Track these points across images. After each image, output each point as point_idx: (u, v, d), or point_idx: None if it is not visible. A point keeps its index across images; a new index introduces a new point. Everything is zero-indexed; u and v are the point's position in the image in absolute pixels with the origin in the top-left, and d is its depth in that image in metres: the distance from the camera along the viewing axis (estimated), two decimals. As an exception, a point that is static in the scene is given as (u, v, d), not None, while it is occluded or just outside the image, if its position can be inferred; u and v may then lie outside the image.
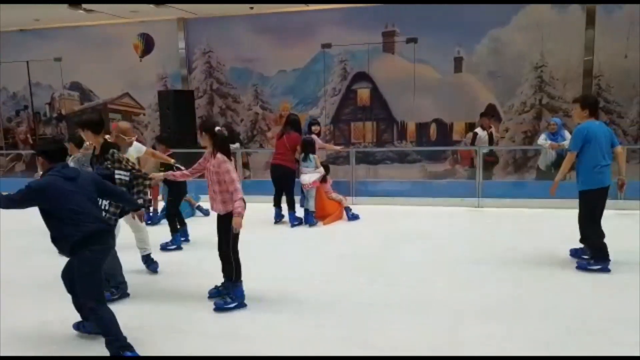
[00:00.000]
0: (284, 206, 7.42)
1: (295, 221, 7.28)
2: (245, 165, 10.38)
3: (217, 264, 4.43)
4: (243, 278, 4.37)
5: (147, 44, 12.27)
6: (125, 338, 3.35)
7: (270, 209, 7.48)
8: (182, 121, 10.96)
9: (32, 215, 3.55)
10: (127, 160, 4.51)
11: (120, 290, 4.57)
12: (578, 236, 5.22)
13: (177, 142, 10.05)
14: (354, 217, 7.51)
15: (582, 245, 5.29)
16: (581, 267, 5.04)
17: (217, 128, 4.30)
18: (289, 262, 5.69)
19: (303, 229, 7.16)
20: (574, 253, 5.36)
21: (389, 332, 3.83)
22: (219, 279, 4.52)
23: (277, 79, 11.76)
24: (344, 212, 7.56)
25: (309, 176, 7.24)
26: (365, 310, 4.28)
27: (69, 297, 3.76)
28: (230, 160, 4.26)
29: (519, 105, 10.66)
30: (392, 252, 5.90)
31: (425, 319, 4.05)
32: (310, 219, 7.25)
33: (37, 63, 12.94)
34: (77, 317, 3.85)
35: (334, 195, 7.66)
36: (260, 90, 11.91)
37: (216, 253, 4.41)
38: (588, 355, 3.39)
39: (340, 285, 4.87)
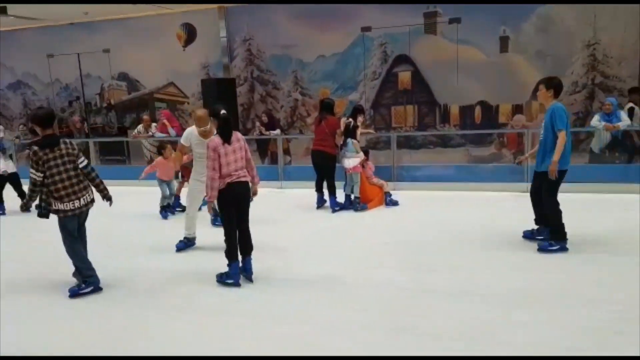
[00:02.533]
0: (326, 191, 7.44)
1: (336, 206, 7.28)
2: (286, 151, 10.44)
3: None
4: (287, 262, 4.41)
5: (189, 34, 12.47)
6: None
7: (312, 194, 7.51)
8: (224, 109, 11.10)
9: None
10: (44, 163, 4.29)
11: (90, 285, 4.55)
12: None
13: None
14: (392, 203, 7.45)
15: (536, 227, 5.31)
16: (543, 249, 5.07)
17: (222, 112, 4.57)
18: (331, 247, 5.71)
19: (345, 214, 7.15)
20: (529, 235, 5.42)
21: (433, 318, 3.81)
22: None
23: (316, 64, 11.71)
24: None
25: (350, 161, 7.22)
26: (409, 295, 4.26)
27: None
28: (226, 143, 4.48)
29: (569, 85, 10.18)
30: (433, 237, 5.82)
31: (468, 305, 3.98)
32: (356, 205, 7.24)
33: (87, 55, 13.40)
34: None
35: (375, 180, 7.62)
36: (300, 76, 11.90)
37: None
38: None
39: (383, 271, 4.86)
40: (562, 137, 4.91)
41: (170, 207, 7.57)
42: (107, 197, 4.74)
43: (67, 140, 4.53)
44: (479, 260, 5.01)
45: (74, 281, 4.70)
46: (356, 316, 3.90)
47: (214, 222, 6.43)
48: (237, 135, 4.64)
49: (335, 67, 11.56)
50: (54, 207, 4.41)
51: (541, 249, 5.08)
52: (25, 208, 4.68)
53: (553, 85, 5.08)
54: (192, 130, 5.58)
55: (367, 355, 3.34)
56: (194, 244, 5.79)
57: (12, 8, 11.13)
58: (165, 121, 10.51)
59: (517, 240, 5.47)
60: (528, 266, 4.78)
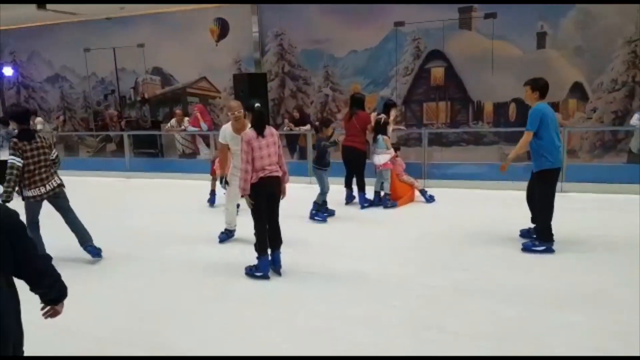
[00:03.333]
0: (355, 187, 7.40)
1: (365, 203, 7.25)
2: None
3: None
4: (316, 257, 4.40)
5: (222, 28, 12.58)
6: None
7: (341, 190, 7.49)
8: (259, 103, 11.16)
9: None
10: (22, 152, 4.84)
11: None
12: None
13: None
14: (431, 199, 7.39)
15: (533, 226, 5.27)
16: (527, 248, 5.07)
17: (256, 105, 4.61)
18: (359, 243, 5.69)
19: (374, 211, 7.11)
20: (525, 234, 5.42)
21: (464, 317, 3.76)
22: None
23: (348, 59, 11.65)
24: (416, 195, 7.45)
25: (379, 157, 7.17)
26: (439, 293, 4.21)
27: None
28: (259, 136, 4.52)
29: (608, 82, 9.86)
30: (464, 236, 5.73)
31: (500, 305, 3.91)
32: (386, 201, 7.19)
33: (123, 49, 13.67)
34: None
35: (406, 177, 7.55)
36: (331, 72, 11.86)
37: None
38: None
39: (412, 268, 4.82)
40: (525, 138, 5.00)
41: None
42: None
43: (41, 136, 5.16)
44: (511, 260, 4.91)
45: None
46: (386, 312, 3.87)
47: (313, 217, 6.60)
48: (271, 130, 4.65)
49: (367, 62, 11.47)
50: (23, 193, 4.97)
51: (525, 249, 5.08)
52: (7, 198, 4.81)
53: (539, 86, 5.08)
54: (225, 128, 5.62)
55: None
56: (233, 235, 5.92)
57: (51, 3, 11.44)
58: (198, 115, 10.64)
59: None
60: (567, 267, 4.65)
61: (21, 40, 15.01)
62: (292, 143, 11.11)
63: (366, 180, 7.32)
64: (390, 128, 7.42)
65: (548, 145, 4.94)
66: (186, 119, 11.05)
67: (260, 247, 4.62)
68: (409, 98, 11.29)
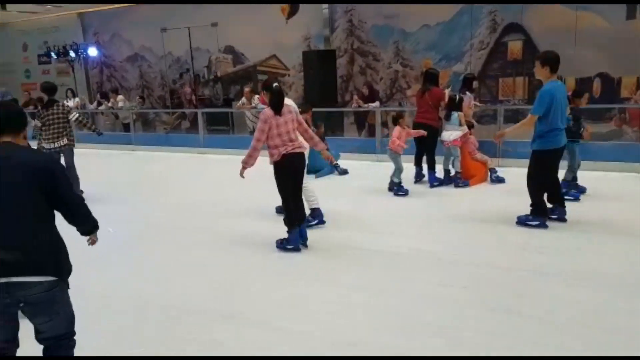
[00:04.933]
0: (425, 165, 7.27)
1: (434, 181, 7.11)
2: (384, 124, 10.31)
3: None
4: (378, 233, 4.40)
5: (293, 6, 12.60)
6: None
7: (410, 168, 7.37)
8: (324, 81, 11.17)
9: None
10: (42, 117, 6.83)
11: None
12: None
13: (319, 101, 10.35)
14: (498, 180, 7.10)
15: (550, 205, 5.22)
16: (521, 222, 5.17)
17: (274, 84, 4.64)
18: (426, 222, 5.63)
19: (444, 190, 6.97)
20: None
21: (539, 301, 3.63)
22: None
23: (419, 34, 11.33)
24: (489, 174, 7.20)
25: (449, 133, 6.98)
26: (513, 277, 4.08)
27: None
28: (277, 114, 4.57)
29: None
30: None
31: (578, 289, 3.75)
32: (456, 180, 7.03)
33: (197, 29, 14.03)
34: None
35: (479, 155, 7.29)
36: (402, 47, 11.59)
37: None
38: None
39: (483, 250, 4.70)
40: (528, 120, 4.91)
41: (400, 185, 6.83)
42: (91, 129, 7.58)
43: (62, 104, 7.15)
44: (587, 244, 4.66)
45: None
46: (454, 292, 3.82)
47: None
48: (289, 107, 4.71)
49: (440, 36, 11.10)
50: (42, 145, 6.77)
51: (519, 222, 5.18)
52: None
53: (548, 60, 4.81)
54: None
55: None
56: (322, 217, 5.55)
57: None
58: (267, 93, 10.78)
59: (635, 226, 4.99)
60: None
61: (104, 22, 15.84)
62: (361, 120, 11.07)
63: (436, 158, 7.17)
64: (469, 104, 7.19)
65: (550, 127, 4.80)
66: (256, 96, 11.25)
67: (290, 222, 4.74)
68: (483, 73, 10.84)
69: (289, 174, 4.68)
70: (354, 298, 3.83)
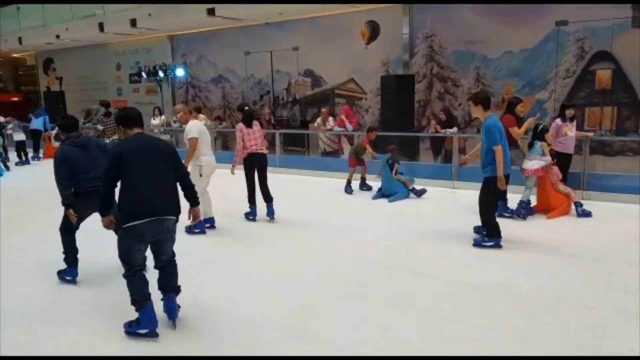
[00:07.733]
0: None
1: (505, 212, 6.83)
2: (462, 151, 10.17)
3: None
4: (458, 270, 4.34)
5: (373, 31, 12.83)
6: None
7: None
8: (401, 105, 11.20)
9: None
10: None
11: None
12: None
13: (395, 125, 10.40)
14: (584, 214, 6.78)
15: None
16: (477, 244, 5.57)
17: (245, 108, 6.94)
18: (502, 253, 5.47)
19: (518, 222, 6.68)
20: (477, 230, 5.88)
21: (626, 343, 3.45)
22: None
23: (501, 60, 11.14)
24: (572, 207, 6.90)
25: (531, 163, 6.77)
26: (597, 316, 3.93)
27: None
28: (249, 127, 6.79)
29: None
30: (629, 255, 5.21)
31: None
32: (519, 210, 6.78)
33: (279, 52, 14.63)
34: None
35: (562, 187, 6.99)
36: (483, 73, 11.44)
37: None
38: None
39: (565, 285, 4.52)
40: (498, 152, 5.26)
41: None
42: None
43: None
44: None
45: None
46: (534, 329, 3.71)
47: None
48: (257, 123, 6.92)
49: (523, 63, 10.87)
50: (104, 139, 8.58)
51: (476, 244, 5.58)
52: None
53: (480, 100, 5.40)
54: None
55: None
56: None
57: (219, 9, 12.70)
58: (343, 117, 11.02)
59: None
60: None
61: (191, 44, 16.87)
62: (437, 145, 10.97)
63: (515, 188, 6.94)
64: (553, 135, 7.04)
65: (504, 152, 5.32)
66: (330, 118, 11.51)
67: (250, 199, 6.95)
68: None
69: (254, 167, 6.81)
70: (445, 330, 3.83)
